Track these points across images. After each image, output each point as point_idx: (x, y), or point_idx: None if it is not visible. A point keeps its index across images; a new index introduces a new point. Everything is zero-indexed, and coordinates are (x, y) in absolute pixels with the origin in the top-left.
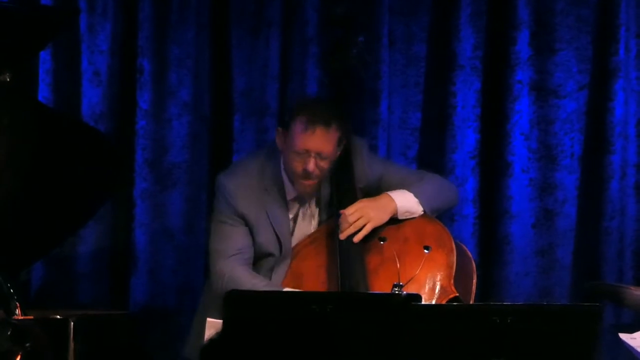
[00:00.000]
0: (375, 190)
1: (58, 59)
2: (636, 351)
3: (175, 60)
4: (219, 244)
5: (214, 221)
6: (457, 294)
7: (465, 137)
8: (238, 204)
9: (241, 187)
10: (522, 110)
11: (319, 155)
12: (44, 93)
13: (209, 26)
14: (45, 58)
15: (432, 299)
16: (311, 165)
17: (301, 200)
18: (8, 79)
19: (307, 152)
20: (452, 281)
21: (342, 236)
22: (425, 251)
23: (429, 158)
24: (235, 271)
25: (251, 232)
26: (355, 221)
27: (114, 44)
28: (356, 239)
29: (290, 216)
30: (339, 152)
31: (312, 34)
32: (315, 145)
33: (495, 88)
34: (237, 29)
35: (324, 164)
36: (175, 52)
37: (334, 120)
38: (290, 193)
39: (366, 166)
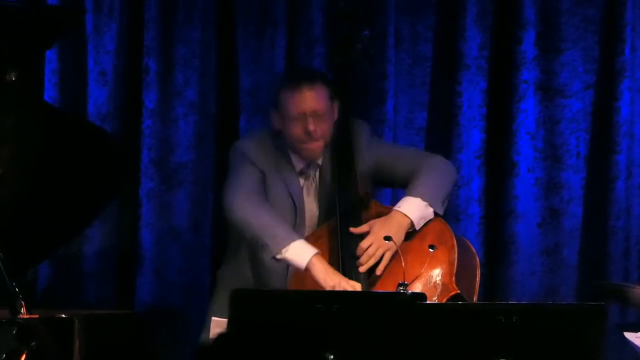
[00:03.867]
0: (373, 172)
1: (64, 59)
2: None
3: (181, 60)
4: (234, 180)
5: (230, 172)
6: (459, 291)
7: (471, 136)
8: (257, 159)
9: (259, 147)
10: (527, 110)
11: (314, 113)
12: (50, 93)
13: (214, 26)
14: (51, 58)
15: (434, 296)
16: (311, 125)
17: (306, 175)
18: (14, 79)
19: (303, 114)
20: (453, 278)
21: (363, 269)
22: (430, 250)
23: None
24: (252, 201)
25: (266, 189)
26: (374, 254)
27: (120, 44)
28: (378, 270)
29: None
30: (335, 112)
31: (317, 34)
32: (307, 104)
33: (501, 88)
34: (243, 29)
35: (323, 122)
36: (181, 52)
37: (316, 77)
38: (297, 166)
39: (365, 150)
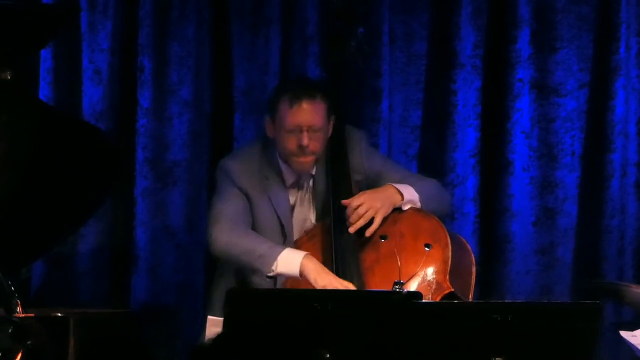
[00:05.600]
0: (373, 185)
1: (59, 58)
2: (637, 349)
3: (175, 58)
4: (217, 207)
5: (215, 195)
6: (453, 290)
7: (466, 135)
8: (242, 181)
9: (244, 168)
10: (522, 109)
11: (310, 128)
12: (44, 92)
13: (209, 23)
14: (45, 56)
15: (428, 295)
16: (305, 139)
17: (299, 185)
18: (9, 77)
19: (299, 128)
20: (447, 276)
21: (353, 230)
22: (426, 249)
23: (429, 156)
24: (233, 230)
25: (252, 211)
26: (364, 213)
27: (114, 42)
28: (368, 232)
29: (291, 201)
30: (330, 127)
31: (312, 32)
32: (305, 119)
33: (496, 86)
34: (238, 27)
35: (317, 137)
36: (175, 50)
37: (317, 92)
38: (289, 179)
39: (364, 159)
